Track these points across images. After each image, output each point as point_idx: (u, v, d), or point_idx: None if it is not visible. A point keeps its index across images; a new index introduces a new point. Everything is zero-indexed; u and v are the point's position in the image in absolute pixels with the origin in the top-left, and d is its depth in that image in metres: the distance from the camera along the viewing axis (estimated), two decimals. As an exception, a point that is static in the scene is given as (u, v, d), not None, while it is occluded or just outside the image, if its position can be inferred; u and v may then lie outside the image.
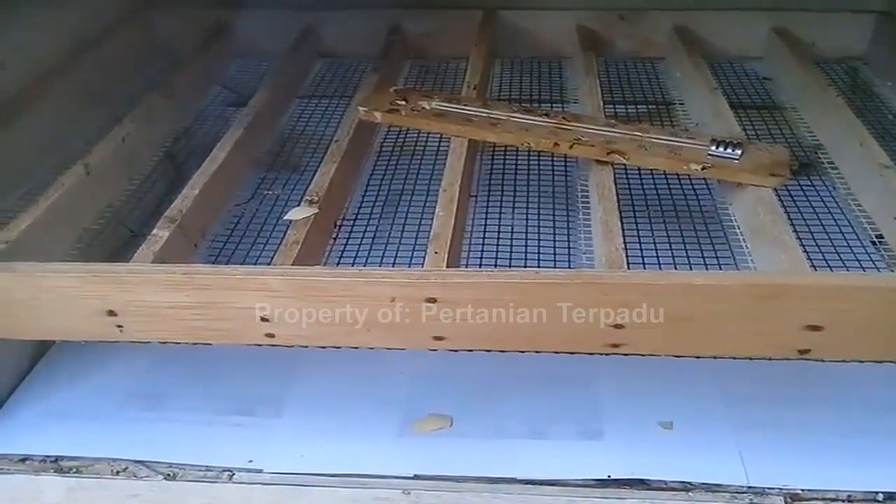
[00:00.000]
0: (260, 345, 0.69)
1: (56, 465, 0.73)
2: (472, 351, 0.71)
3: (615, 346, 0.65)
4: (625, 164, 0.87)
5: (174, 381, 0.82)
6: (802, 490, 0.68)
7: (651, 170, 0.95)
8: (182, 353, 0.82)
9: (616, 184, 0.82)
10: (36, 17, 1.00)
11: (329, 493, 0.69)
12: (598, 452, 0.72)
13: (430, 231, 0.74)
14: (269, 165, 1.05)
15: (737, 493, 0.68)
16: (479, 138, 0.93)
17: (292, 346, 0.72)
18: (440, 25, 1.29)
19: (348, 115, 1.00)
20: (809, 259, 0.70)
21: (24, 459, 0.73)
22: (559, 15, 1.27)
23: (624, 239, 0.72)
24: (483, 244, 0.90)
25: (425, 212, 0.94)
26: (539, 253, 0.89)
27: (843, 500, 0.67)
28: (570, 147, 0.88)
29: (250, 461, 0.72)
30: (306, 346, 0.74)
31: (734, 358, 0.79)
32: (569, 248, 0.89)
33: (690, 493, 0.68)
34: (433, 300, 0.64)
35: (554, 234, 0.92)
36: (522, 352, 0.69)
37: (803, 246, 0.71)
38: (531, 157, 1.05)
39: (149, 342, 0.70)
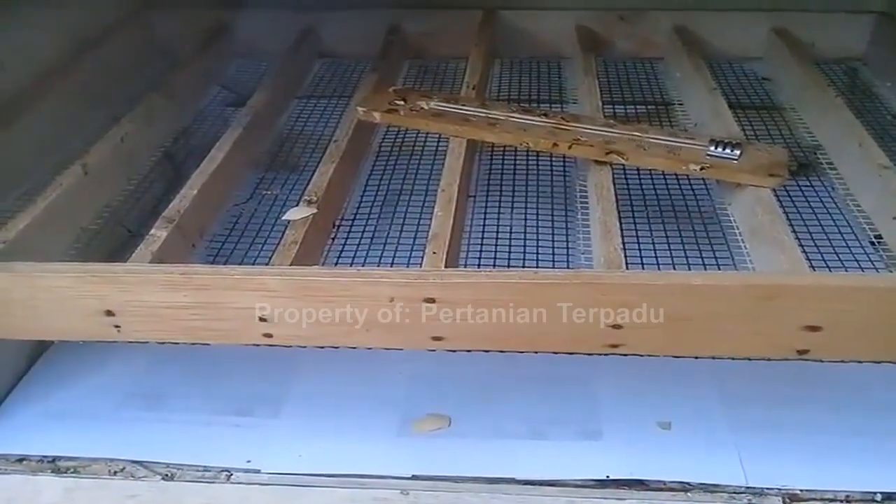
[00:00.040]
0: (258, 345, 0.69)
1: (53, 465, 0.72)
2: (470, 351, 0.71)
3: (614, 346, 0.65)
4: (623, 165, 0.86)
5: (172, 381, 0.82)
6: (801, 490, 0.68)
7: (650, 170, 0.95)
8: (180, 353, 0.82)
9: (615, 184, 0.81)
10: (36, 18, 1.00)
11: (327, 493, 0.69)
12: (597, 453, 0.72)
13: (428, 231, 0.74)
14: (268, 165, 1.05)
15: (735, 493, 0.68)
16: (478, 138, 0.93)
17: (291, 347, 0.72)
18: (439, 25, 1.29)
19: (347, 115, 1.00)
20: (808, 259, 0.70)
21: (21, 459, 0.73)
22: (559, 15, 1.27)
23: (623, 239, 0.72)
24: (482, 244, 0.89)
25: (424, 212, 0.94)
26: (538, 253, 0.89)
27: (842, 501, 0.67)
28: (569, 147, 0.88)
29: (248, 461, 0.72)
30: (305, 347, 0.74)
31: (733, 358, 0.79)
32: (567, 248, 0.89)
33: (689, 494, 0.68)
34: (432, 300, 0.63)
35: (553, 234, 0.92)
36: (521, 352, 0.69)
37: (802, 246, 0.71)
38: (530, 158, 1.05)
39: (147, 342, 0.70)
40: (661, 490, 0.68)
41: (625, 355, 0.67)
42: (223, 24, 1.30)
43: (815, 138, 0.98)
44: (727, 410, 0.76)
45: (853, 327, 0.63)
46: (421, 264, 0.69)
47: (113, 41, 1.14)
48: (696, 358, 0.78)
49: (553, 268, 0.85)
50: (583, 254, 0.79)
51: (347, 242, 0.90)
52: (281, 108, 1.14)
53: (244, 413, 0.78)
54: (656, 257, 0.86)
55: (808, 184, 0.95)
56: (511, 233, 0.92)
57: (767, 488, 0.68)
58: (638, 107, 1.17)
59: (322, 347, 0.76)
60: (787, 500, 0.67)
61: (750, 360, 0.79)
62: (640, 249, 0.86)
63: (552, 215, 0.96)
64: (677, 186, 0.98)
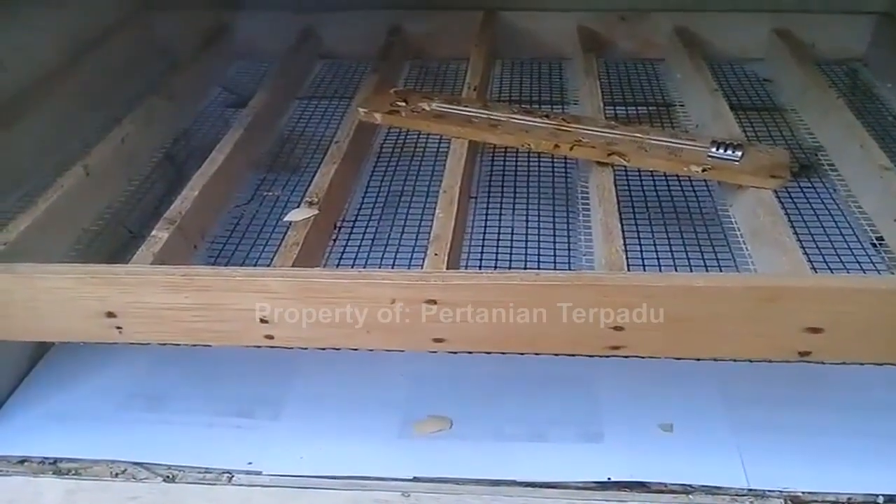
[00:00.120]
0: (259, 346, 0.69)
1: (55, 466, 0.72)
2: (471, 353, 0.70)
3: (615, 347, 0.65)
4: (625, 166, 0.86)
5: (173, 382, 0.82)
6: (803, 493, 0.68)
7: (651, 171, 0.95)
8: (181, 354, 0.82)
9: (616, 185, 0.81)
10: (36, 19, 1.00)
11: (328, 495, 0.69)
12: (598, 455, 0.72)
13: (430, 232, 0.74)
14: (269, 167, 1.05)
15: (737, 495, 0.68)
16: (480, 140, 0.93)
17: (292, 348, 0.71)
18: (440, 26, 1.29)
19: (348, 116, 1.00)
20: (810, 261, 0.70)
21: (22, 461, 0.73)
22: (560, 16, 1.27)
23: (624, 240, 0.72)
24: (483, 246, 0.89)
25: (425, 213, 0.94)
26: (539, 254, 0.89)
27: (844, 503, 0.67)
28: (571, 148, 0.88)
29: (250, 463, 0.72)
30: (306, 348, 0.74)
31: (734, 360, 0.78)
32: (569, 249, 0.89)
33: (690, 496, 0.68)
34: (433, 302, 0.63)
35: (554, 235, 0.92)
36: (522, 354, 0.69)
37: (803, 248, 0.71)
38: (531, 159, 1.05)
39: (148, 344, 0.70)
40: (662, 492, 0.68)
41: (626, 357, 0.67)
42: (223, 25, 1.30)
43: (816, 139, 0.98)
44: (729, 412, 0.76)
45: (855, 329, 0.63)
46: (422, 266, 0.69)
47: (113, 42, 1.14)
48: (698, 360, 0.78)
49: (554, 269, 0.85)
50: (584, 255, 0.79)
51: (349, 244, 0.90)
52: (282, 109, 1.14)
53: (245, 415, 0.78)
54: (658, 259, 0.86)
55: (810, 185, 0.94)
56: (512, 234, 0.92)
57: (769, 490, 0.68)
58: (639, 108, 1.17)
59: (323, 349, 0.76)
60: (789, 503, 0.67)
61: (751, 361, 0.79)
62: (641, 251, 0.86)
63: (553, 217, 0.96)
64: (679, 188, 0.98)
